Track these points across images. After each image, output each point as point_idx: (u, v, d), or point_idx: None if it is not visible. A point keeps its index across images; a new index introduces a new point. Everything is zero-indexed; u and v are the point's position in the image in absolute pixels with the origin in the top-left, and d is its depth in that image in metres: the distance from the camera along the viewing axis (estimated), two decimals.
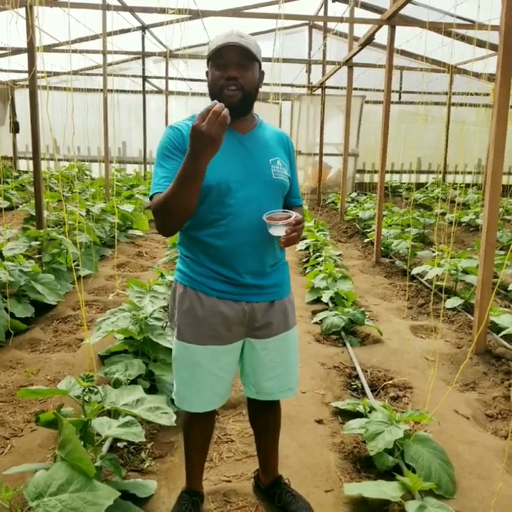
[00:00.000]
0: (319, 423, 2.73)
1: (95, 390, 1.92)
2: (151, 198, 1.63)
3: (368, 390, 3.05)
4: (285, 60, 9.23)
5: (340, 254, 6.43)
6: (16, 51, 7.85)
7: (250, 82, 1.64)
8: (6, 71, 10.51)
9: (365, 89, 12.40)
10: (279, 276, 1.81)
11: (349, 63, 8.73)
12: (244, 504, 2.08)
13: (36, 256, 4.82)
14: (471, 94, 11.72)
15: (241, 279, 1.71)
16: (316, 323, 4.25)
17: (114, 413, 2.11)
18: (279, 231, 1.59)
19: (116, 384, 2.43)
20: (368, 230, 7.99)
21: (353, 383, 3.22)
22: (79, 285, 4.53)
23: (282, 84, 9.91)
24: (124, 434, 1.96)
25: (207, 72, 1.70)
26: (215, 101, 1.39)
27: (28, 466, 2.00)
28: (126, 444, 2.41)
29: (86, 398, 1.91)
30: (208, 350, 1.74)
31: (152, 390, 2.80)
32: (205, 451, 2.01)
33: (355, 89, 10.07)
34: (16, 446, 2.42)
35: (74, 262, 5.02)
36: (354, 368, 3.40)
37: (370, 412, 2.61)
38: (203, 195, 1.65)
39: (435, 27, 6.49)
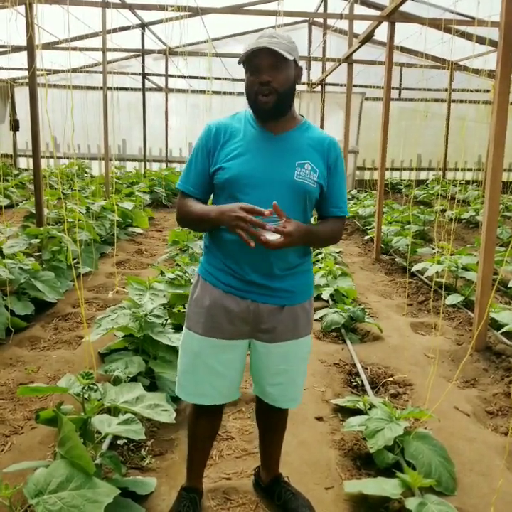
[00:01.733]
0: (319, 420, 2.73)
1: (95, 387, 1.92)
2: (178, 188, 1.81)
3: (368, 387, 3.05)
4: None
5: (340, 252, 6.42)
6: (16, 49, 7.83)
7: (284, 83, 1.63)
8: (5, 69, 10.49)
9: (365, 86, 12.37)
10: (294, 282, 1.76)
11: (349, 60, 8.71)
12: (244, 502, 2.08)
13: (36, 254, 4.81)
14: (471, 91, 11.69)
15: (246, 276, 1.70)
16: (316, 320, 4.24)
17: (114, 411, 2.11)
18: (270, 235, 1.57)
19: (116, 381, 2.44)
20: (368, 227, 7.99)
21: (353, 380, 3.22)
22: (79, 283, 4.53)
23: None
24: (124, 432, 1.96)
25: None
26: (270, 211, 1.54)
27: (28, 464, 2.00)
28: (126, 441, 2.41)
29: (86, 396, 1.91)
30: (209, 342, 1.75)
31: (152, 387, 2.80)
32: (208, 448, 2.02)
33: (355, 86, 10.05)
34: (16, 444, 2.42)
35: (74, 259, 5.01)
36: (354, 365, 3.40)
37: (370, 409, 2.61)
38: (219, 188, 1.73)
39: (435, 23, 6.46)
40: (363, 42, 7.08)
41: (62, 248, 4.95)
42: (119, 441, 2.41)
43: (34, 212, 5.53)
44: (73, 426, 1.69)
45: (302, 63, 12.65)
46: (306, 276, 1.82)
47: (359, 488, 2.06)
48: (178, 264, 4.86)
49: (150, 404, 2.03)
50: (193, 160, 1.76)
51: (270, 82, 1.61)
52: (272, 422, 2.03)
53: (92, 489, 1.60)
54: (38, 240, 4.80)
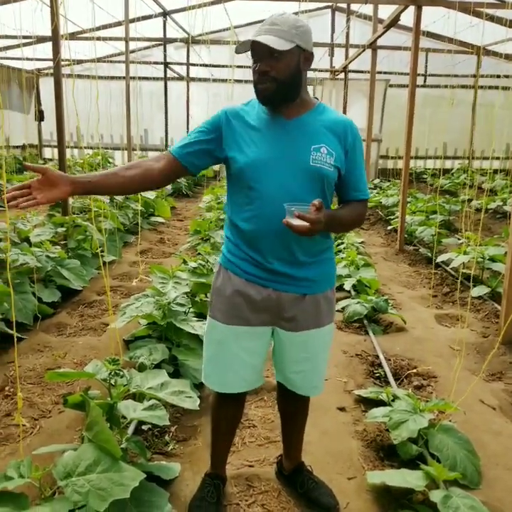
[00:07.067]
0: (342, 411, 2.73)
1: (121, 373, 1.95)
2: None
3: (391, 379, 3.03)
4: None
5: (362, 242, 6.37)
6: (41, 39, 7.90)
7: (283, 71, 1.59)
8: (31, 59, 10.61)
9: (389, 73, 12.14)
10: (316, 270, 1.74)
11: (373, 46, 8.55)
12: (266, 489, 2.10)
13: (62, 242, 4.89)
14: (500, 77, 11.38)
15: (268, 265, 1.69)
16: (337, 311, 4.22)
17: (139, 396, 2.14)
18: (295, 220, 1.52)
19: (141, 368, 2.47)
20: (392, 217, 7.89)
21: (375, 371, 3.20)
22: (105, 270, 4.59)
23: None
24: (148, 417, 1.99)
25: None
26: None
27: (55, 447, 2.05)
28: (150, 426, 2.45)
29: (112, 381, 1.94)
30: (232, 330, 1.75)
31: (175, 374, 2.83)
32: (232, 435, 2.03)
33: (379, 72, 9.87)
34: (44, 427, 2.48)
35: (98, 248, 5.08)
36: (377, 357, 3.38)
37: (393, 400, 2.59)
38: (235, 178, 1.71)
39: (464, 7, 6.29)
40: (388, 27, 6.94)
41: (87, 237, 5.02)
42: (143, 427, 2.45)
43: (60, 201, 5.60)
44: (100, 411, 1.72)
45: (325, 50, 12.54)
46: (329, 265, 1.81)
47: (382, 479, 2.05)
48: (199, 254, 4.89)
49: (174, 390, 2.05)
50: (194, 130, 1.74)
51: (268, 71, 1.59)
52: (293, 409, 2.03)
53: (119, 473, 1.63)
54: (64, 229, 4.87)
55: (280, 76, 1.59)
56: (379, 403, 2.66)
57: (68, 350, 3.30)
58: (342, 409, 2.73)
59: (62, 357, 3.21)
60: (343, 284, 4.58)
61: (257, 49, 1.59)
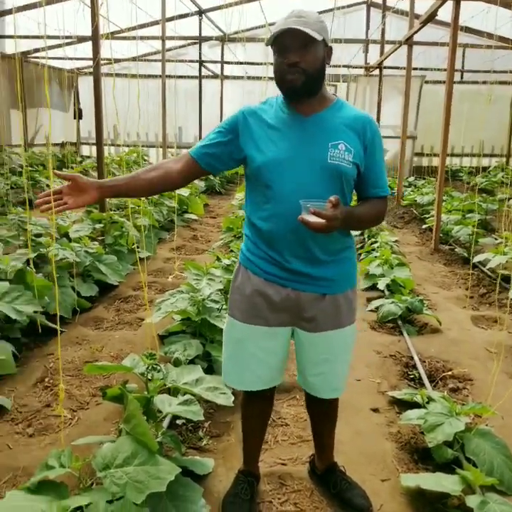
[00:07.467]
0: (375, 411, 2.70)
1: (158, 368, 1.99)
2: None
3: (425, 381, 2.98)
4: (345, 40, 8.98)
5: (396, 240, 6.27)
6: (81, 39, 8.08)
7: (312, 63, 1.59)
8: (71, 59, 10.87)
9: (425, 69, 11.90)
10: (336, 269, 1.72)
11: (409, 42, 8.42)
12: (299, 488, 2.10)
13: (99, 238, 5.00)
14: None
15: (287, 264, 1.68)
16: (371, 310, 4.18)
17: (173, 391, 2.18)
18: (310, 217, 1.50)
19: (176, 363, 2.51)
20: (427, 216, 7.74)
21: (409, 373, 3.16)
22: (141, 267, 4.67)
23: (338, 66, 9.70)
24: (183, 412, 2.02)
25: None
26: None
27: (93, 438, 2.11)
28: (184, 421, 2.48)
29: (149, 376, 1.98)
30: (250, 329, 1.76)
31: (209, 370, 2.86)
32: (262, 432, 2.04)
33: (415, 68, 9.68)
34: (82, 419, 2.55)
35: (134, 244, 5.18)
36: (411, 358, 3.33)
37: (428, 403, 2.55)
38: (252, 177, 1.71)
39: (505, 2, 6.11)
40: (425, 22, 6.81)
41: (123, 233, 5.12)
42: (177, 421, 2.48)
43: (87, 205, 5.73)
44: (138, 404, 1.76)
45: (359, 46, 12.40)
46: (349, 265, 1.78)
47: (417, 482, 2.03)
48: (232, 251, 4.92)
49: (209, 386, 2.08)
50: (213, 132, 1.77)
51: (298, 62, 1.57)
52: (320, 411, 2.02)
53: (155, 466, 1.66)
54: (102, 225, 4.99)
55: (309, 68, 1.58)
56: (413, 405, 2.62)
57: (105, 343, 3.38)
58: (375, 410, 2.71)
59: (99, 350, 3.29)
60: (377, 283, 4.53)
61: (287, 40, 1.56)
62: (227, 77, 13.19)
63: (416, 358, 3.29)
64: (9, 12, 7.72)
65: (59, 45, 9.33)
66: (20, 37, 8.66)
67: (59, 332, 2.36)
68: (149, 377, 2.00)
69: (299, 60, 1.57)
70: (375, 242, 5.80)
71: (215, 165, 1.76)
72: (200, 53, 12.41)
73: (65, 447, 1.81)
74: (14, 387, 2.81)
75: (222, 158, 1.74)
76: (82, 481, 1.75)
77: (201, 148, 1.74)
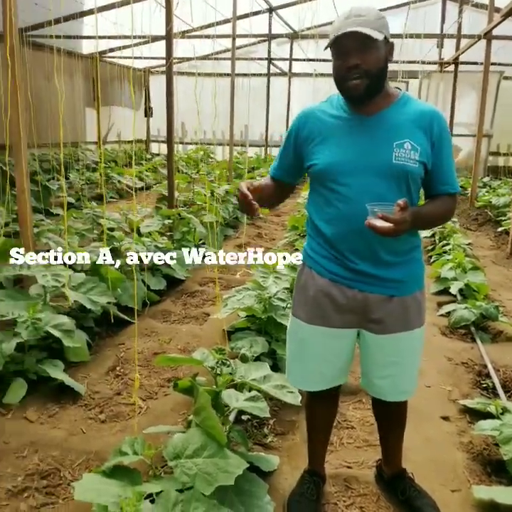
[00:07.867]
0: (445, 420, 2.60)
1: (227, 362, 2.01)
2: None
3: (500, 391, 2.84)
4: (417, 36, 8.68)
5: (470, 243, 6.01)
6: (154, 39, 8.33)
7: (374, 64, 1.54)
8: (144, 58, 11.23)
9: (504, 64, 11.27)
10: (404, 271, 1.67)
11: (488, 36, 7.99)
12: (365, 492, 2.06)
13: (168, 233, 5.15)
14: None
15: (354, 266, 1.65)
16: (441, 315, 4.03)
17: (239, 386, 2.20)
18: (378, 221, 1.46)
19: (243, 359, 2.54)
20: (503, 218, 7.35)
21: (482, 382, 3.02)
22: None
23: (411, 62, 9.39)
24: (250, 408, 2.03)
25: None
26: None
27: (163, 428, 2.18)
28: (249, 417, 2.50)
29: (218, 370, 2.01)
30: (315, 329, 1.73)
31: (274, 368, 2.85)
32: (327, 432, 2.02)
33: (493, 64, 9.20)
34: (151, 408, 2.63)
35: (200, 240, 5.30)
36: (484, 366, 3.18)
37: (502, 413, 2.43)
38: (314, 179, 1.70)
39: None
40: (506, 15, 6.45)
41: (190, 229, 5.24)
42: (242, 417, 2.51)
43: (166, 194, 5.89)
44: (209, 397, 1.79)
45: (434, 41, 11.94)
46: (417, 266, 1.73)
47: (490, 496, 1.94)
48: (297, 249, 4.90)
49: (277, 384, 2.08)
50: (281, 148, 1.83)
51: (359, 65, 1.52)
52: (387, 415, 1.96)
53: (224, 459, 1.69)
54: (170, 221, 5.13)
55: (372, 68, 1.53)
56: (486, 415, 2.50)
57: (173, 336, 3.47)
58: (446, 418, 2.61)
59: (167, 342, 3.38)
60: (449, 287, 4.36)
61: (346, 42, 1.52)
62: (295, 75, 13.14)
63: (490, 366, 3.14)
64: (90, 12, 8.09)
65: (137, 44, 9.66)
66: (101, 37, 9.06)
67: (136, 324, 2.44)
68: (218, 372, 2.03)
69: (360, 62, 1.53)
70: (447, 244, 5.58)
71: (296, 177, 1.86)
72: (269, 51, 12.44)
73: (136, 435, 1.87)
74: (87, 374, 2.94)
75: (296, 172, 1.82)
76: (153, 469, 1.81)
77: (277, 170, 1.86)
